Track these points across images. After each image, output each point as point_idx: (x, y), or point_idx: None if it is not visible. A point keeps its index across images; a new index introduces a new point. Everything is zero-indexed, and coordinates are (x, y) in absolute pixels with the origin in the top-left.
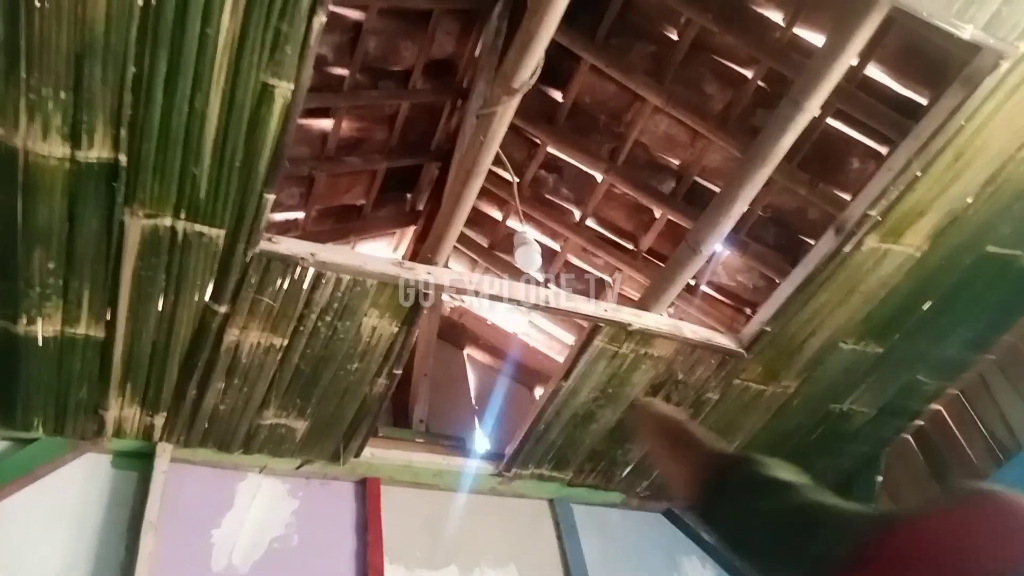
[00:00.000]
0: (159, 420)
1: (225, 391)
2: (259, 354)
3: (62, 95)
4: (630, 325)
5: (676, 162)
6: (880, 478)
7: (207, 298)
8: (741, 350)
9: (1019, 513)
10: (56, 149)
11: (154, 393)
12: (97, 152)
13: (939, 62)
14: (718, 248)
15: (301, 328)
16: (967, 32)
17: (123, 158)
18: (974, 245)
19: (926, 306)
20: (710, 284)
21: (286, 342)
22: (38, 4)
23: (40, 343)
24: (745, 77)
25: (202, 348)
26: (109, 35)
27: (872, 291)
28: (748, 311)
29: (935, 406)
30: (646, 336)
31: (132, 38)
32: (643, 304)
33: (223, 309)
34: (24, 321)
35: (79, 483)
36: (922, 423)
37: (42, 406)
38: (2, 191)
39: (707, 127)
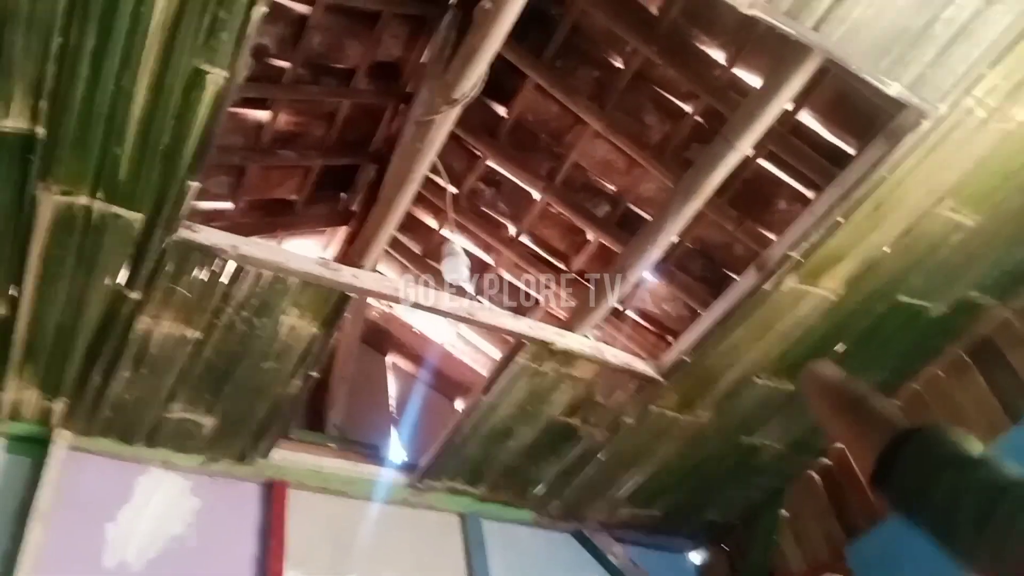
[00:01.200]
0: (59, 406)
1: (131, 380)
2: (170, 345)
3: None
4: (553, 344)
5: (612, 187)
6: (785, 512)
7: (119, 283)
8: (659, 377)
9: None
10: None
11: (55, 377)
12: (13, 122)
13: (868, 113)
14: (645, 275)
15: (216, 321)
16: (893, 89)
17: (41, 130)
18: (887, 293)
19: (838, 348)
20: (635, 310)
21: (199, 335)
22: None
23: None
24: (684, 111)
25: (110, 334)
26: (35, 3)
27: (788, 330)
28: (670, 339)
29: (839, 444)
30: (568, 356)
31: (60, 8)
32: (569, 324)
33: (135, 296)
34: None
35: None
36: (827, 461)
37: None
38: None
39: (643, 156)
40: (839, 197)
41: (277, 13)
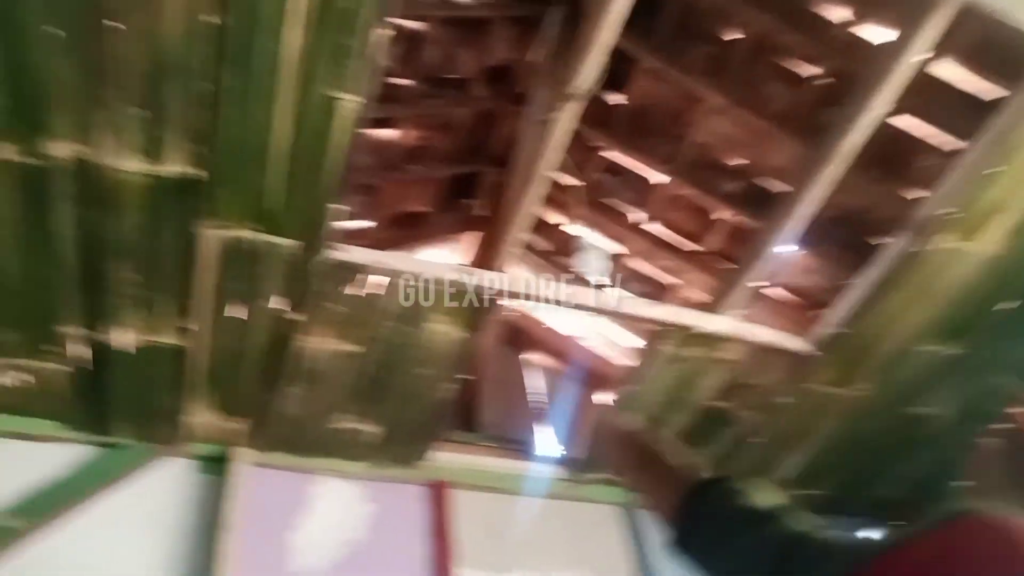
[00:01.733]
0: (236, 425)
1: (300, 396)
2: (331, 360)
3: (141, 113)
4: (696, 329)
5: (739, 162)
6: (966, 483)
7: (281, 306)
8: (813, 352)
9: (1003, 531)
10: (136, 164)
11: (232, 399)
12: (175, 167)
13: (1017, 54)
14: (786, 249)
15: (371, 334)
16: None
17: (198, 172)
18: None
19: (1006, 306)
20: (779, 286)
21: (357, 348)
22: (113, 25)
23: (125, 353)
24: (809, 75)
25: (277, 355)
26: (182, 54)
27: (948, 291)
28: (818, 312)
29: (1018, 409)
30: (713, 340)
31: (204, 56)
32: (710, 307)
33: (297, 317)
34: (110, 332)
35: (161, 487)
36: (1006, 426)
37: (127, 413)
38: (88, 208)
39: (769, 126)
40: (993, 144)
41: (396, 34)
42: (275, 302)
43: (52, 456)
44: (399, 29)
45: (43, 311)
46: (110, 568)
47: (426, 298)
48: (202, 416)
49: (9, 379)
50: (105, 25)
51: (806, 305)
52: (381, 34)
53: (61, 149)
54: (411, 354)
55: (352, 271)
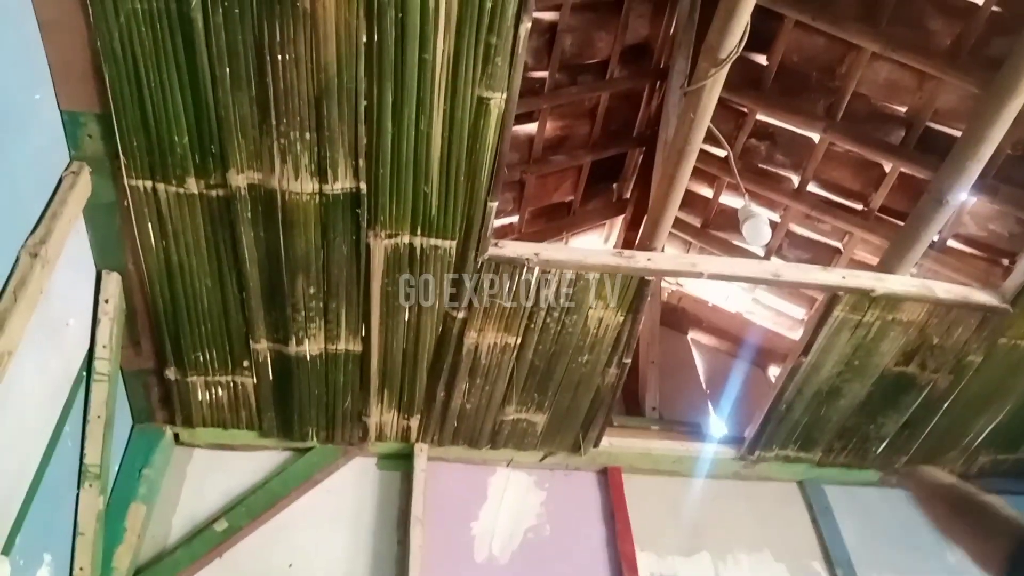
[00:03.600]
0: (414, 422)
1: (469, 391)
2: (496, 353)
3: (307, 136)
4: (873, 291)
5: (903, 109)
6: None
7: (447, 305)
8: (1005, 305)
9: None
10: (307, 185)
11: (408, 398)
12: (341, 184)
13: None
14: (964, 196)
15: (532, 326)
16: None
17: (363, 186)
18: None
19: None
20: (957, 237)
21: (520, 340)
22: (280, 57)
23: (308, 361)
24: (974, 4)
25: (446, 352)
26: (341, 75)
27: None
28: (1005, 262)
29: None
30: (892, 301)
31: (360, 74)
32: (884, 267)
33: (461, 314)
34: (294, 343)
35: (351, 485)
36: None
37: (314, 418)
38: (266, 229)
39: (935, 66)
40: None
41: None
42: (440, 301)
43: (252, 463)
44: (535, 21)
45: (235, 329)
46: (313, 564)
47: (584, 285)
48: (382, 417)
49: (208, 394)
50: (269, 59)
51: (992, 256)
52: (524, 28)
53: (240, 179)
54: (573, 342)
55: (510, 265)
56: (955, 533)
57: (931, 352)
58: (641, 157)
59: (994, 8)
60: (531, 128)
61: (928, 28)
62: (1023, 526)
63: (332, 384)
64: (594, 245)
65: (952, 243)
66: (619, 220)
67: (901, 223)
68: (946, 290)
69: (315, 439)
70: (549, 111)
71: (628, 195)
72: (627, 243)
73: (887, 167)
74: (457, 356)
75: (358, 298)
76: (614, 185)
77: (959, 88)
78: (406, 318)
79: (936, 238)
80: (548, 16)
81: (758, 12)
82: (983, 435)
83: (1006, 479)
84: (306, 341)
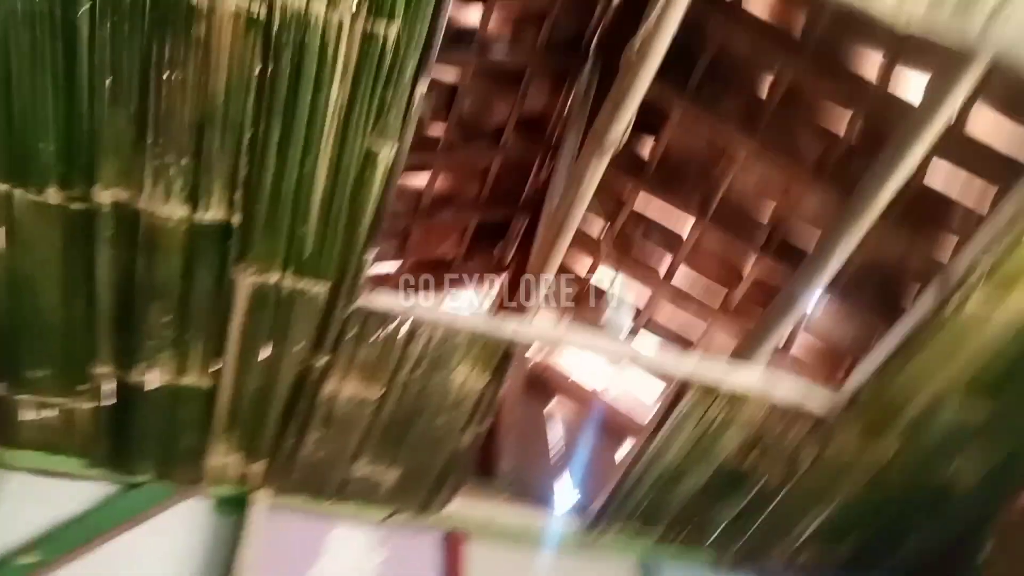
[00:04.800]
0: (257, 468)
1: (321, 440)
2: (354, 405)
3: (184, 161)
4: (720, 385)
5: (770, 212)
6: (984, 555)
7: (308, 351)
8: (837, 411)
9: None
10: (176, 211)
11: (254, 441)
12: (213, 213)
13: None
14: (815, 301)
15: (395, 380)
16: None
17: (236, 219)
18: None
19: None
20: (806, 338)
21: (380, 393)
22: (166, 78)
23: (152, 392)
24: (842, 126)
25: (301, 398)
26: (228, 105)
27: (980, 349)
28: (846, 367)
29: None
30: (736, 396)
31: (249, 107)
32: (735, 359)
33: (323, 361)
34: (139, 371)
35: (181, 527)
36: None
37: (151, 452)
38: (124, 250)
39: (802, 176)
40: None
41: (430, 84)
42: (302, 346)
43: (77, 493)
44: (435, 80)
45: (77, 350)
46: None
47: (452, 345)
48: (224, 458)
49: (37, 415)
50: (154, 78)
51: (833, 360)
52: (421, 87)
53: (106, 195)
54: (433, 401)
55: (379, 317)
56: None
57: (768, 448)
58: (526, 223)
59: (857, 132)
60: (422, 181)
61: (800, 140)
62: None
63: (174, 418)
64: (471, 303)
65: (800, 344)
66: (497, 281)
67: (759, 318)
68: (785, 390)
69: (148, 474)
70: (441, 167)
71: (509, 259)
72: (504, 307)
73: (749, 264)
74: (313, 403)
75: (215, 332)
76: (497, 247)
77: (820, 199)
78: (264, 358)
79: (786, 338)
80: (450, 77)
81: (649, 102)
82: (811, 528)
83: (827, 571)
84: (153, 370)
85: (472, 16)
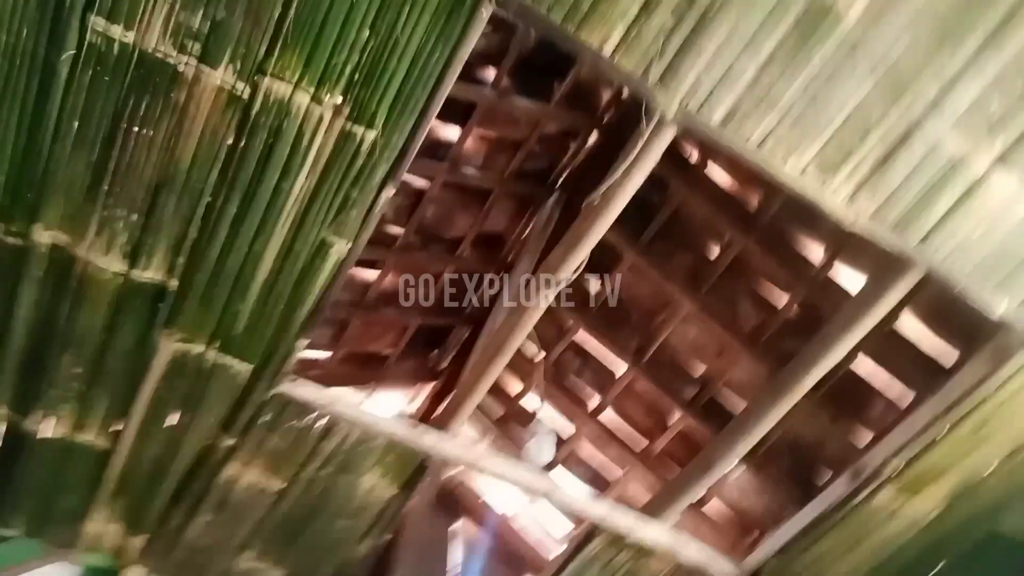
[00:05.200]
0: (137, 541)
1: (210, 524)
2: (253, 493)
3: (133, 217)
4: (628, 536)
5: (701, 371)
6: None
7: (216, 429)
8: None
9: None
10: (114, 265)
11: (140, 513)
12: (151, 274)
13: (975, 323)
14: (732, 465)
15: (300, 475)
16: (998, 310)
17: (174, 283)
18: (988, 519)
19: (935, 569)
20: (719, 500)
21: (282, 486)
22: (135, 134)
23: (44, 442)
24: (780, 303)
25: (199, 477)
26: (192, 172)
27: (881, 544)
28: (753, 538)
29: None
30: (644, 549)
31: (212, 177)
32: (648, 511)
33: (230, 442)
34: (35, 419)
35: None
36: None
37: (27, 506)
38: (51, 294)
39: (736, 343)
40: (942, 410)
41: (399, 186)
42: (212, 423)
43: None
44: (404, 183)
45: None
46: None
47: (367, 448)
48: (104, 526)
49: None
50: (123, 132)
51: (742, 528)
52: (387, 192)
53: (46, 235)
54: (336, 503)
55: (298, 407)
56: None
57: None
58: (467, 335)
59: (793, 311)
60: (371, 275)
61: (739, 309)
62: None
63: (61, 475)
64: (397, 404)
65: (713, 505)
66: (428, 388)
67: (676, 473)
68: (693, 551)
69: (19, 529)
70: (393, 266)
71: (444, 366)
72: (428, 412)
73: (675, 416)
74: (210, 484)
75: (124, 392)
76: (434, 352)
77: (750, 368)
78: (169, 428)
79: (700, 496)
80: (420, 183)
81: (605, 243)
82: None
83: None
84: (49, 420)
85: (451, 133)
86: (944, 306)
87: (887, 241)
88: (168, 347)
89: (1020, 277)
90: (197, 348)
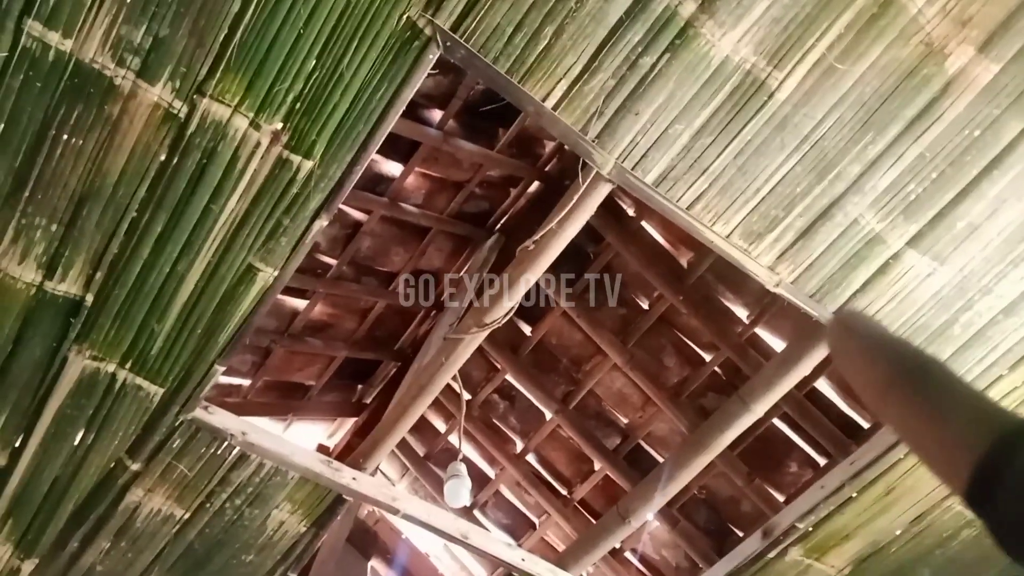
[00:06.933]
0: (27, 566)
1: (108, 552)
2: (156, 521)
3: (53, 227)
4: None
5: (624, 421)
6: None
7: (124, 451)
8: None
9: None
10: (28, 274)
11: (34, 536)
12: (67, 287)
13: None
14: (648, 519)
15: (207, 505)
16: None
17: (89, 298)
18: None
19: None
20: (634, 552)
21: (188, 515)
22: (63, 143)
23: None
24: (703, 360)
25: (100, 502)
26: (119, 186)
27: None
28: None
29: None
30: None
31: (140, 193)
32: (563, 561)
33: (135, 467)
34: None
35: None
36: None
37: None
38: None
39: (659, 396)
40: (851, 474)
41: (335, 216)
42: (119, 445)
43: None
44: (342, 214)
45: None
46: None
47: (279, 482)
48: None
49: None
50: (51, 139)
51: None
52: (319, 223)
53: None
54: (244, 536)
55: (210, 434)
56: (891, 411)
57: None
58: (393, 371)
59: (716, 369)
60: (299, 304)
61: (664, 363)
62: (1003, 421)
63: None
64: (316, 437)
65: (629, 556)
66: (350, 422)
67: (595, 520)
68: None
69: None
70: (323, 295)
71: (368, 401)
72: (348, 448)
73: (596, 466)
74: (112, 510)
75: (27, 407)
76: (358, 387)
77: (671, 422)
78: (71, 449)
79: (616, 547)
80: (358, 215)
81: (534, 291)
82: None
83: None
84: None
85: (393, 169)
86: None
87: (806, 308)
88: (78, 364)
89: (931, 350)
90: (108, 367)
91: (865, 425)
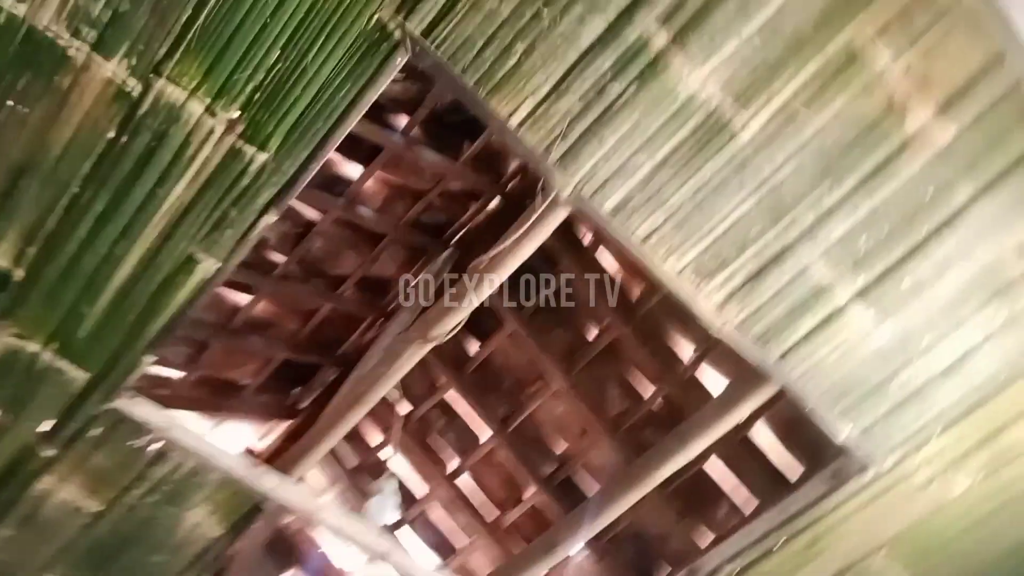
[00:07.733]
0: None
1: (10, 541)
2: (66, 512)
3: None
4: None
5: (561, 448)
6: None
7: (38, 436)
8: None
9: None
10: None
11: None
12: None
13: (820, 442)
14: (576, 549)
15: (122, 499)
16: (842, 435)
17: (19, 273)
18: None
19: None
20: None
21: (100, 508)
22: (8, 109)
23: None
24: (645, 394)
25: (8, 486)
26: (62, 160)
27: None
28: None
29: None
30: None
31: (83, 170)
32: None
33: (49, 452)
34: None
35: None
36: None
37: None
38: None
39: (599, 426)
40: (778, 523)
41: (287, 212)
42: (34, 429)
43: None
44: (294, 211)
45: None
46: None
47: (199, 481)
48: None
49: None
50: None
51: None
52: (267, 219)
53: None
54: (156, 535)
55: (132, 426)
56: None
57: None
58: (333, 377)
59: (657, 404)
60: (242, 299)
61: (607, 394)
62: None
63: None
64: (246, 437)
65: None
66: (283, 426)
67: (525, 545)
68: None
69: None
70: (267, 294)
71: (304, 406)
72: (277, 452)
73: (530, 491)
74: (20, 495)
75: None
76: (295, 390)
77: (608, 453)
78: None
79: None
80: (312, 214)
81: (483, 309)
82: None
83: None
84: None
85: (353, 171)
86: (795, 422)
87: (749, 352)
88: (0, 339)
89: (864, 407)
90: (32, 346)
91: (797, 474)
